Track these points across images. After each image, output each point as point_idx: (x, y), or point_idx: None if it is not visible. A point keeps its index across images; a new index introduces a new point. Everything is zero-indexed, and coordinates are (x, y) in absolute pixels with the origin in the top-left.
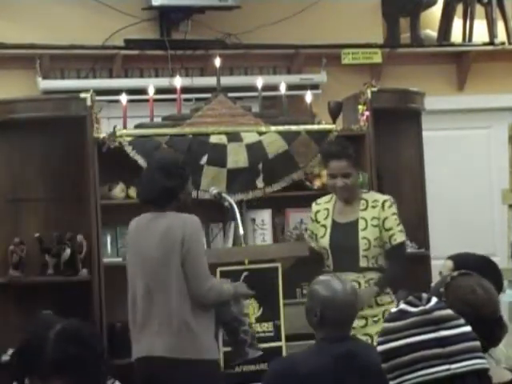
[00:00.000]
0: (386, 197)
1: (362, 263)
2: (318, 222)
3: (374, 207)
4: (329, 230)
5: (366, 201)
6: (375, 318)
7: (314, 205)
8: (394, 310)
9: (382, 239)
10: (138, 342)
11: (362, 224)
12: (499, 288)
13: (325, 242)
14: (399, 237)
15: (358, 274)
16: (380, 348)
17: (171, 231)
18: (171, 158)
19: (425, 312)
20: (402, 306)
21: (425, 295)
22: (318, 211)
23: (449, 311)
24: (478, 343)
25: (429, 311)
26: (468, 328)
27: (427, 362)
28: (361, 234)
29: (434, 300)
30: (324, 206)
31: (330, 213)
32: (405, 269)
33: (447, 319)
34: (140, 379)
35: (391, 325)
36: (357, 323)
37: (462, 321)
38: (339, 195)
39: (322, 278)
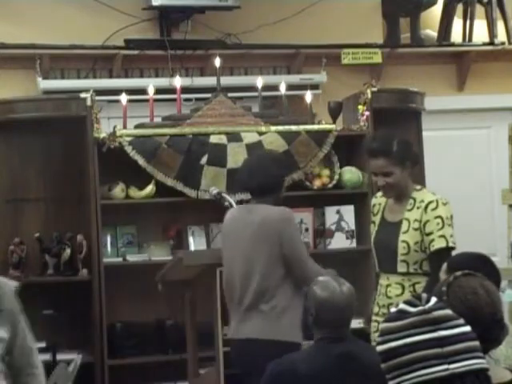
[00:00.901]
0: (433, 197)
1: (400, 268)
2: (374, 215)
3: (418, 208)
4: (376, 228)
5: (414, 200)
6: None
7: (373, 198)
8: (393, 309)
9: (424, 244)
10: (234, 321)
11: (404, 226)
12: (497, 285)
13: (373, 239)
14: (438, 243)
15: (403, 277)
16: (379, 348)
17: (268, 220)
18: (279, 153)
19: (424, 312)
20: (402, 305)
21: (424, 295)
22: (374, 205)
23: (448, 311)
24: (477, 343)
25: (428, 311)
26: (467, 328)
27: (426, 362)
28: (401, 236)
29: (434, 300)
30: (379, 200)
31: (381, 209)
32: None
33: (446, 319)
34: (233, 358)
35: (390, 325)
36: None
37: (461, 321)
38: (383, 194)
39: (320, 278)
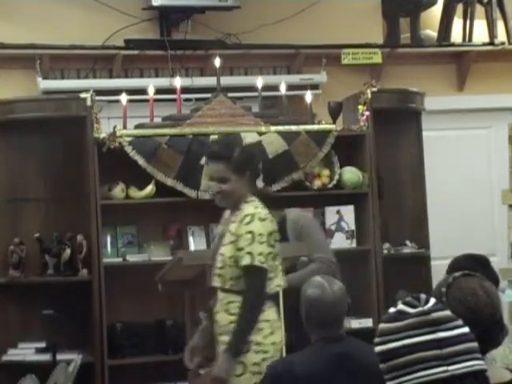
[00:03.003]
0: (252, 211)
1: (215, 282)
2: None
3: (239, 221)
4: (215, 241)
5: (241, 211)
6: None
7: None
8: (392, 309)
9: (236, 259)
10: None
11: (226, 238)
12: (496, 282)
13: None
14: (244, 260)
15: (222, 295)
16: (378, 349)
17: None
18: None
19: (423, 313)
20: (400, 306)
21: (423, 296)
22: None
23: (447, 312)
24: (475, 344)
25: (427, 312)
26: (466, 329)
27: (425, 364)
28: (220, 249)
29: (433, 301)
30: (226, 212)
31: (223, 221)
32: (256, 301)
33: (445, 320)
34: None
35: (389, 325)
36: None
37: (460, 322)
38: (216, 201)
39: (313, 279)
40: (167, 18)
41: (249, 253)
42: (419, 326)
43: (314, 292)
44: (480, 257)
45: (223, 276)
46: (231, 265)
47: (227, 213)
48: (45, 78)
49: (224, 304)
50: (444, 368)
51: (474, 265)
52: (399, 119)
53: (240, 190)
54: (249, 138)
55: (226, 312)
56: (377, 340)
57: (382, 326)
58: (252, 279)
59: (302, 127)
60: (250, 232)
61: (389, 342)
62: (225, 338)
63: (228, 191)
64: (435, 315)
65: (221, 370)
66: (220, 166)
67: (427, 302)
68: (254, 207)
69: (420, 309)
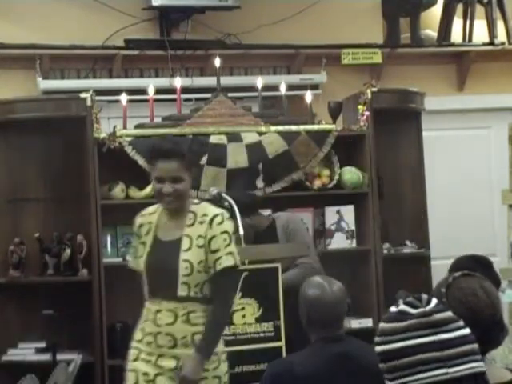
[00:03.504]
0: (217, 211)
1: (182, 291)
2: (140, 238)
3: (202, 223)
4: (147, 249)
5: (195, 214)
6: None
7: (137, 217)
8: (393, 309)
9: (208, 264)
10: None
11: (185, 243)
12: (497, 284)
13: (142, 263)
14: (226, 261)
15: (177, 304)
16: (378, 348)
17: None
18: None
19: (424, 315)
20: (402, 306)
21: (425, 296)
22: (141, 225)
23: (448, 313)
24: (475, 346)
25: (428, 314)
26: (466, 330)
27: (426, 366)
28: (182, 255)
29: (434, 301)
30: (148, 218)
31: (153, 227)
32: (232, 303)
33: (446, 322)
34: None
35: (390, 325)
36: (167, 363)
37: (460, 323)
38: (166, 204)
39: (312, 279)
40: (167, 18)
41: (230, 253)
42: (420, 328)
43: (314, 292)
44: (482, 258)
45: (188, 284)
46: (200, 270)
47: (157, 217)
48: (45, 78)
49: (183, 315)
50: (444, 370)
51: (476, 265)
52: (399, 119)
53: (189, 189)
54: (249, 138)
55: (186, 323)
56: (377, 340)
57: (382, 325)
58: (231, 280)
59: (302, 127)
60: (226, 232)
61: (390, 342)
62: (187, 352)
63: (183, 191)
64: (437, 317)
65: (194, 372)
66: (173, 165)
67: (429, 302)
68: (212, 207)
69: (421, 310)
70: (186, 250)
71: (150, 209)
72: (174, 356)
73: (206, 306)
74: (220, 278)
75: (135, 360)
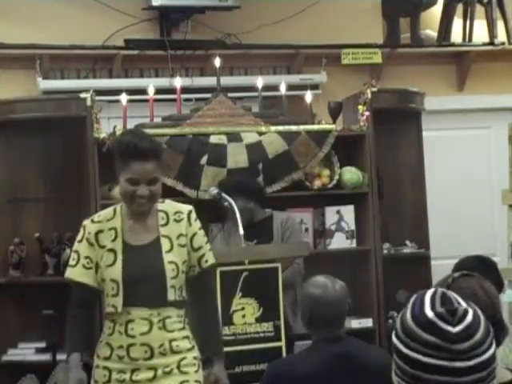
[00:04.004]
0: (189, 207)
1: (171, 295)
2: (101, 247)
3: (178, 221)
4: (120, 257)
5: (166, 213)
6: (167, 369)
7: (88, 223)
8: (428, 308)
9: (191, 262)
10: None
11: (165, 244)
12: (500, 286)
13: (115, 272)
14: (210, 258)
15: (151, 311)
16: (394, 340)
17: None
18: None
19: (448, 340)
20: (431, 314)
21: (461, 309)
22: (99, 231)
23: (475, 339)
24: (490, 370)
25: (453, 341)
26: (485, 356)
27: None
28: (166, 257)
29: (469, 318)
30: (108, 224)
31: (119, 233)
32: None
33: (468, 350)
34: None
35: (413, 327)
36: (143, 375)
37: (483, 348)
38: (137, 206)
39: (314, 278)
40: (167, 18)
41: (210, 250)
42: (437, 349)
43: (317, 291)
44: (487, 259)
45: (175, 287)
46: (183, 270)
47: (120, 221)
48: (45, 78)
49: (159, 321)
50: None
51: (480, 266)
52: (399, 119)
53: (160, 191)
54: (249, 138)
55: (162, 330)
56: (398, 329)
57: (410, 321)
58: (213, 278)
59: (302, 127)
60: (201, 228)
61: (404, 344)
62: (164, 361)
63: (158, 193)
64: (459, 347)
65: (225, 377)
66: (150, 166)
67: (464, 317)
68: (179, 203)
69: (449, 329)
70: (168, 252)
71: (105, 214)
72: (151, 367)
73: (180, 310)
74: (208, 276)
75: (107, 382)
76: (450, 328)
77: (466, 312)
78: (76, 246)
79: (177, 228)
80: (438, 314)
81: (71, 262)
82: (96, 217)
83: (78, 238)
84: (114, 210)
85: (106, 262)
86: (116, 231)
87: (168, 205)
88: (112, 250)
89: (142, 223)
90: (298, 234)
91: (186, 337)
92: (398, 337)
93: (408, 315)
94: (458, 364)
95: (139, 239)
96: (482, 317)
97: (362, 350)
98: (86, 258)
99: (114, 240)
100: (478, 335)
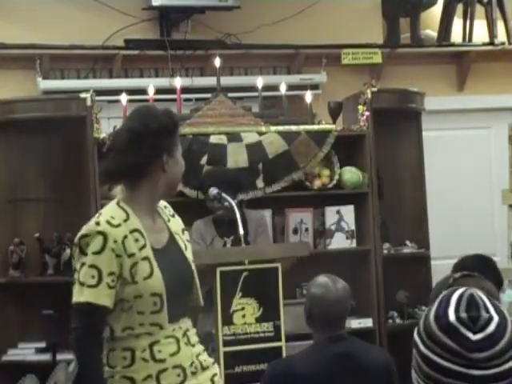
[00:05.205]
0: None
1: (202, 301)
2: (129, 256)
3: (173, 216)
4: (155, 264)
5: (161, 208)
6: None
7: (108, 229)
8: (451, 313)
9: None
10: None
11: (181, 243)
12: (499, 285)
13: (156, 283)
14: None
15: (173, 326)
16: (416, 336)
17: None
18: None
19: (466, 348)
20: (453, 318)
21: (485, 316)
22: (125, 237)
23: (497, 348)
24: (507, 383)
25: (471, 350)
26: (504, 367)
27: None
28: (189, 256)
29: (493, 325)
30: (127, 226)
31: (145, 235)
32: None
33: (485, 360)
34: None
35: (433, 328)
36: None
37: (503, 358)
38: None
39: (316, 277)
40: (167, 18)
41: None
42: (455, 355)
43: (318, 290)
44: (487, 257)
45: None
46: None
47: (138, 221)
48: (45, 78)
49: (183, 336)
50: None
51: (480, 265)
52: (399, 119)
53: None
54: (249, 138)
55: (188, 345)
56: (420, 326)
57: (432, 320)
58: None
59: (302, 127)
60: None
61: (423, 343)
62: (194, 381)
63: None
64: (476, 356)
65: None
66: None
67: (487, 324)
68: None
69: (468, 337)
70: (186, 250)
71: (116, 213)
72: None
73: (193, 317)
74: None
75: None
76: (470, 335)
77: (489, 320)
78: (92, 259)
79: (177, 223)
80: (459, 319)
81: (90, 282)
82: (110, 219)
83: (95, 248)
84: (122, 208)
85: (143, 274)
86: (141, 234)
87: None
88: (146, 259)
89: (154, 221)
90: (267, 234)
91: (206, 349)
92: (419, 334)
93: (432, 314)
94: (474, 372)
95: (159, 241)
96: (509, 327)
97: (362, 350)
98: (111, 274)
99: (143, 246)
100: (500, 345)
